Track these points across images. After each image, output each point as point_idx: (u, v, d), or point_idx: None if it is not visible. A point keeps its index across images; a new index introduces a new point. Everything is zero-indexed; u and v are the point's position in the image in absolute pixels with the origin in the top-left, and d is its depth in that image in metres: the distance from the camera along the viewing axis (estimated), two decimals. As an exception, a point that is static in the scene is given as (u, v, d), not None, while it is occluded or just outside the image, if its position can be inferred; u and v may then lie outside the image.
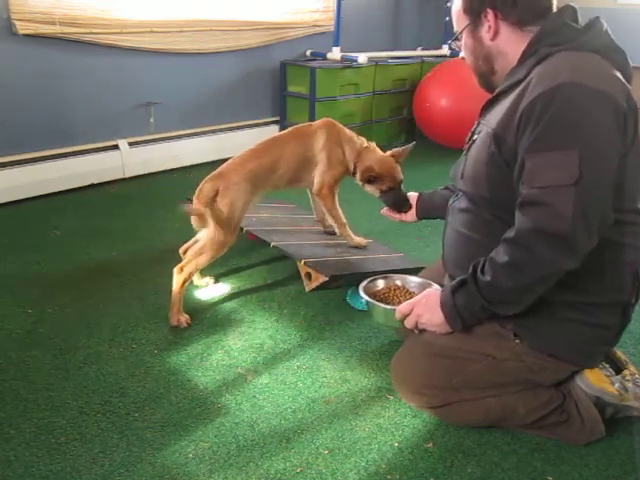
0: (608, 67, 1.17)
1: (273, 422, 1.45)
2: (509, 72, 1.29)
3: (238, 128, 3.78)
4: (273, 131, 3.98)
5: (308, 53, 4.02)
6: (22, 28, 2.70)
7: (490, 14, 1.27)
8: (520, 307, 1.23)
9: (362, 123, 4.02)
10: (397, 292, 1.56)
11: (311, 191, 2.12)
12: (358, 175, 2.03)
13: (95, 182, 3.14)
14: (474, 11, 1.30)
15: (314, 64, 3.70)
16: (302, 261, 1.86)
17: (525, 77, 1.21)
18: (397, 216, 1.89)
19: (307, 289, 1.86)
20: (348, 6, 3.97)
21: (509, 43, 1.28)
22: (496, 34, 1.29)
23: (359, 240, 2.14)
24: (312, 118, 3.73)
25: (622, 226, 1.21)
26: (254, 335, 1.82)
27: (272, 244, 1.98)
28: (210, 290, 2.08)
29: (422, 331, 1.38)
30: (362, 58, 3.72)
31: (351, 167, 2.05)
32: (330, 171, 2.03)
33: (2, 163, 2.81)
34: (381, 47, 4.46)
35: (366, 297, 1.48)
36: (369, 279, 1.58)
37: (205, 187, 1.86)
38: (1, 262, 2.25)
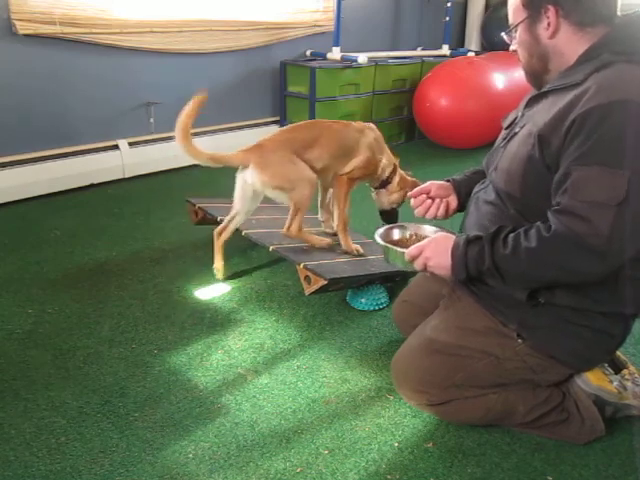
0: None
1: (273, 422, 1.45)
2: (564, 71, 1.23)
3: (238, 128, 3.78)
4: (273, 131, 3.97)
5: (308, 53, 4.02)
6: (22, 28, 2.70)
7: (551, 10, 1.20)
8: (524, 287, 1.24)
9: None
10: (414, 240, 1.51)
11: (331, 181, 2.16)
12: (394, 184, 2.16)
13: (95, 182, 3.14)
14: (534, 5, 1.22)
15: (314, 64, 3.70)
16: (301, 264, 1.86)
17: (582, 82, 1.15)
18: (433, 213, 1.58)
19: (306, 292, 1.86)
20: (348, 6, 3.96)
21: (567, 43, 1.22)
22: (555, 32, 1.22)
23: (354, 247, 2.09)
24: (312, 118, 3.73)
25: None
26: (254, 335, 1.82)
27: (270, 248, 1.97)
28: (210, 290, 2.08)
29: (431, 274, 1.34)
30: (362, 58, 3.72)
31: (384, 175, 2.16)
32: (362, 168, 2.10)
33: (2, 163, 2.81)
34: (381, 47, 4.46)
35: (380, 241, 1.43)
36: (384, 227, 1.53)
37: (236, 156, 1.98)
38: (1, 262, 2.25)
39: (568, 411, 1.38)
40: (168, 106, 3.40)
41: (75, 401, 1.50)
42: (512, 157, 1.27)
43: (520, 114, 1.35)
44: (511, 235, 1.20)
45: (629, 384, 1.39)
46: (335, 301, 2.03)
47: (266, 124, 3.95)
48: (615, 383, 1.38)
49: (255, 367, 1.67)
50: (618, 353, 1.49)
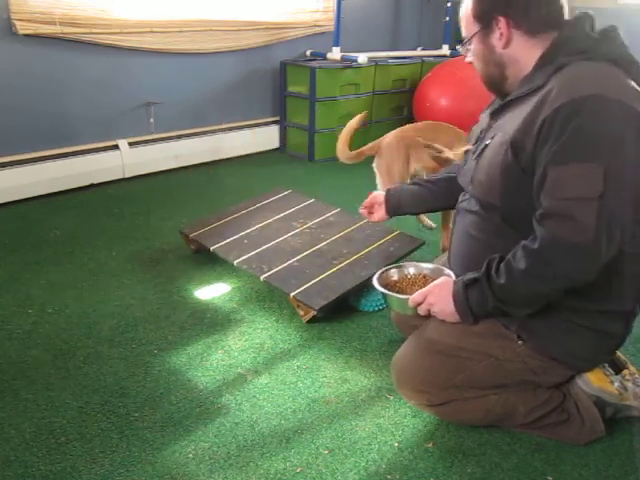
0: (626, 78, 1.16)
1: (273, 422, 1.45)
2: (524, 78, 1.26)
3: (238, 128, 3.78)
4: (273, 131, 3.98)
5: (308, 53, 4.02)
6: (22, 28, 2.70)
7: (502, 21, 1.24)
8: (533, 309, 1.24)
9: (362, 123, 4.01)
10: (412, 280, 1.54)
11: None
12: None
13: (95, 182, 3.15)
14: (485, 18, 1.26)
15: (314, 64, 3.69)
16: (291, 295, 1.86)
17: (543, 85, 1.18)
18: (370, 216, 1.82)
19: (304, 320, 1.88)
20: (348, 6, 3.96)
21: (521, 51, 1.25)
22: (508, 42, 1.25)
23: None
24: (312, 118, 3.73)
25: (633, 238, 1.20)
26: (254, 335, 1.82)
27: (262, 278, 1.96)
28: (210, 290, 2.08)
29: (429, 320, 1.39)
30: (362, 58, 3.72)
31: None
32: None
33: (2, 163, 2.81)
34: (381, 47, 4.46)
35: (380, 288, 1.46)
36: (381, 270, 1.55)
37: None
38: (1, 262, 2.25)
39: (568, 412, 1.38)
40: (168, 106, 3.41)
41: (75, 401, 1.50)
42: (487, 167, 1.29)
43: (486, 127, 1.37)
44: (502, 264, 1.22)
45: (630, 385, 1.39)
46: (335, 301, 2.03)
47: (266, 124, 3.95)
48: (616, 384, 1.38)
49: (255, 367, 1.67)
50: (618, 353, 1.49)
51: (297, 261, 2.04)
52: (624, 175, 1.10)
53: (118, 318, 1.88)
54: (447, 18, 4.67)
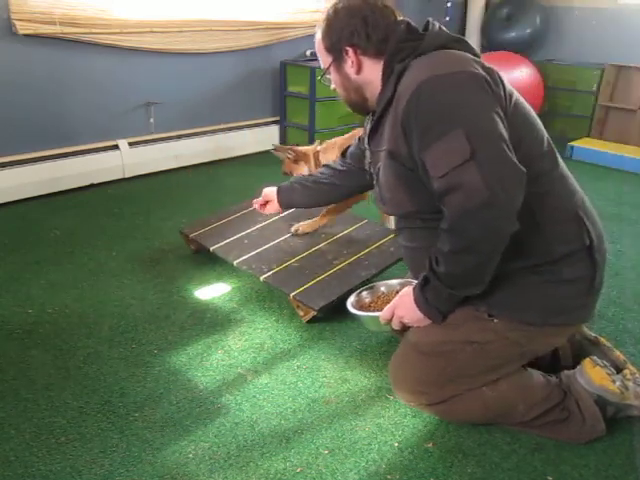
0: (455, 52, 1.26)
1: (273, 422, 1.45)
2: (378, 97, 1.34)
3: (238, 128, 3.78)
4: (273, 131, 3.98)
5: (308, 53, 4.02)
6: (22, 28, 2.70)
7: (350, 51, 1.34)
8: (484, 284, 1.26)
9: (362, 123, 4.01)
10: (386, 298, 1.55)
11: None
12: None
13: (95, 182, 3.15)
14: (335, 49, 1.37)
15: (314, 64, 3.69)
16: (291, 295, 1.86)
17: (393, 95, 1.27)
18: (263, 210, 1.95)
19: (304, 320, 1.88)
20: (348, 6, 3.96)
21: (372, 73, 1.35)
22: (360, 68, 1.35)
23: None
24: (312, 118, 3.73)
25: (539, 178, 1.24)
26: (254, 335, 1.82)
27: (262, 278, 1.96)
28: (210, 290, 2.08)
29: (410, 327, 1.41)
30: (362, 58, 3.72)
31: None
32: None
33: (2, 163, 2.81)
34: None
35: (353, 310, 1.48)
36: (355, 293, 1.56)
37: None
38: (1, 262, 2.25)
39: (569, 410, 1.38)
40: (168, 106, 3.41)
41: (75, 401, 1.50)
42: (386, 185, 1.37)
43: (372, 153, 1.45)
44: (436, 254, 1.26)
45: (630, 384, 1.39)
46: (335, 301, 2.03)
47: (266, 124, 3.95)
48: (617, 383, 1.38)
49: (255, 367, 1.67)
50: (617, 353, 1.50)
51: (297, 261, 2.04)
52: (486, 126, 1.15)
53: (118, 318, 1.88)
54: (447, 18, 4.67)
